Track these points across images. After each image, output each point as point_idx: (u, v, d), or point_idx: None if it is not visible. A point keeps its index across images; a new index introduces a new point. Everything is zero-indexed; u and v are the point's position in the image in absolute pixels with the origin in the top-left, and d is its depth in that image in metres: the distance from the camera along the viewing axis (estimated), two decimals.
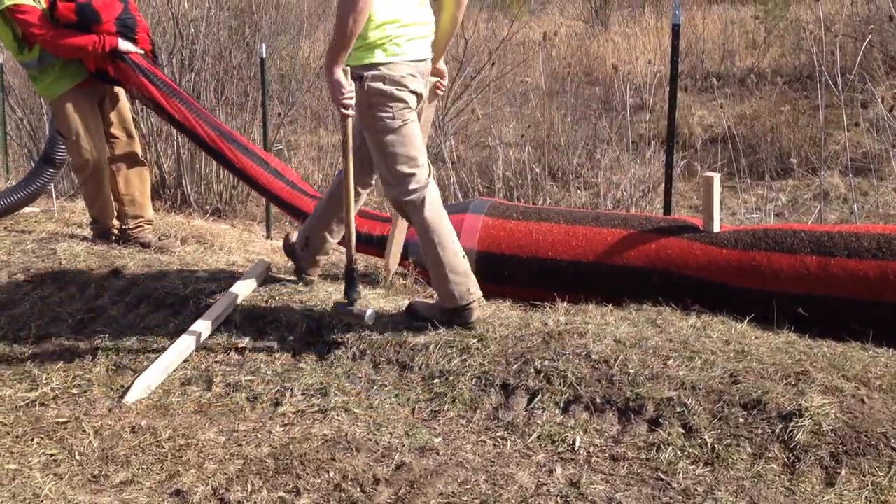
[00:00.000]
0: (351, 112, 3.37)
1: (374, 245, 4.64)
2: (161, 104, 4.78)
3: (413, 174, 3.51)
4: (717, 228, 3.89)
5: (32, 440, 3.17)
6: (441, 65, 3.90)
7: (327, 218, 3.96)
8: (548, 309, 3.87)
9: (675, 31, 4.55)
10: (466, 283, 3.60)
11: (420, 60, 3.51)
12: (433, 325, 3.63)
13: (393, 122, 3.45)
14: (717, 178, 3.89)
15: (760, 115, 9.49)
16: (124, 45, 4.69)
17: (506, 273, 4.19)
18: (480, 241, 4.22)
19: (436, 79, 3.88)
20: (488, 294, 3.98)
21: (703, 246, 3.83)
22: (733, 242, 3.80)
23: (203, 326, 3.82)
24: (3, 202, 5.71)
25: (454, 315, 3.63)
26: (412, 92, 3.48)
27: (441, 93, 4.05)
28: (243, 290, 4.05)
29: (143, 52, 4.80)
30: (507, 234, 4.21)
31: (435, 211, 3.56)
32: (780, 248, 3.69)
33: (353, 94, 3.36)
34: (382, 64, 3.39)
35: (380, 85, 3.40)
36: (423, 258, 3.68)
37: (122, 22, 4.72)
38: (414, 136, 3.52)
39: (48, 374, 3.71)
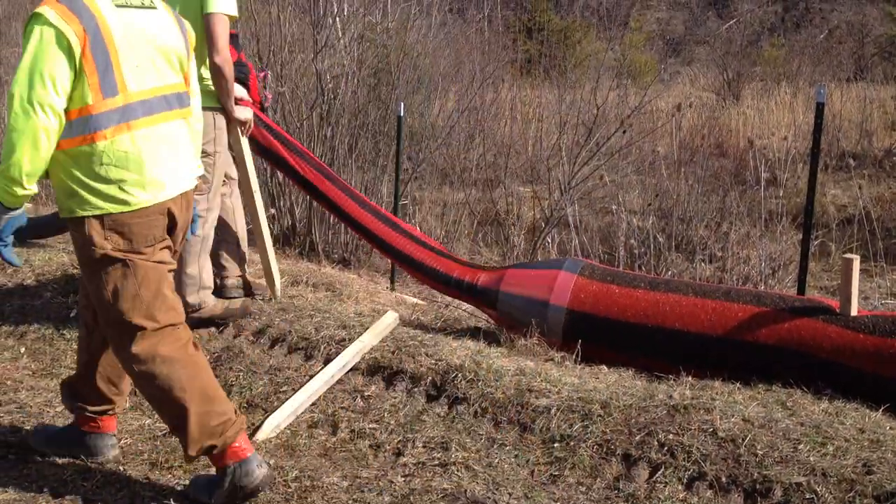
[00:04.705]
0: None
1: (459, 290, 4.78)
2: (272, 151, 4.95)
3: None
4: (854, 312, 3.78)
5: (168, 469, 3.33)
6: None
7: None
8: (672, 382, 3.83)
9: (819, 109, 4.49)
10: None
11: None
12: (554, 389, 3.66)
13: None
14: (856, 260, 3.80)
15: None
16: (240, 91, 4.75)
17: (598, 335, 4.22)
18: (571, 300, 4.27)
19: None
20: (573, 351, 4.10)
21: (839, 329, 3.73)
22: (871, 328, 3.68)
23: (332, 372, 3.95)
24: None
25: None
26: None
27: None
28: (372, 339, 4.17)
29: (252, 100, 4.78)
30: (604, 296, 4.24)
31: None
32: None
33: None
34: None
35: None
36: None
37: (237, 69, 4.73)
38: None
39: None
